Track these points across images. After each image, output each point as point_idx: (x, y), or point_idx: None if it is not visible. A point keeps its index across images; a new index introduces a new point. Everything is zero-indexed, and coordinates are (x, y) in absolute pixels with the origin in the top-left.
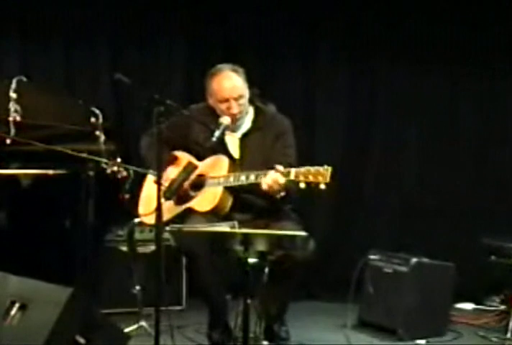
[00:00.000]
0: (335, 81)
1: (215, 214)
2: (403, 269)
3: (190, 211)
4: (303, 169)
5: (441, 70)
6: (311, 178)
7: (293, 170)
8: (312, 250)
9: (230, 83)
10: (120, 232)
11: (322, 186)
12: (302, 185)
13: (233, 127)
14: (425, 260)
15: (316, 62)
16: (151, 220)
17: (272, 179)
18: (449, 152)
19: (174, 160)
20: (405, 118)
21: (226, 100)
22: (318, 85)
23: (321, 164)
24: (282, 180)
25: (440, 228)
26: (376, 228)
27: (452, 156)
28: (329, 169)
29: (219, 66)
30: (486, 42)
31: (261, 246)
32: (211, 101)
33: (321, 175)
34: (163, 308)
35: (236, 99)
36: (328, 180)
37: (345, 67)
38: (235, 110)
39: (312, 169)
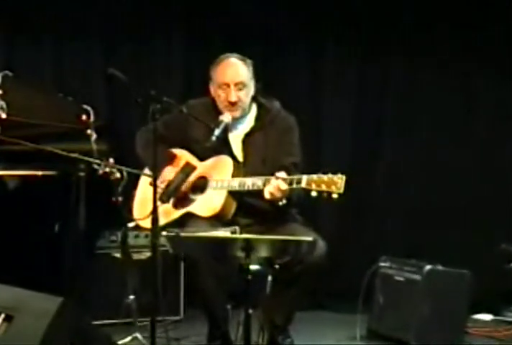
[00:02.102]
0: (342, 78)
1: (218, 219)
2: (416, 277)
3: (190, 215)
4: (315, 176)
5: (454, 68)
6: (323, 187)
7: (304, 177)
8: (323, 253)
9: (234, 69)
10: (113, 237)
11: (335, 195)
12: (313, 194)
13: (233, 124)
14: (439, 267)
15: (322, 58)
16: (147, 224)
17: (274, 187)
18: (464, 154)
19: (172, 159)
20: (416, 118)
21: (226, 85)
22: (324, 82)
23: (328, 166)
24: (284, 186)
25: (455, 233)
26: (387, 233)
27: (468, 158)
28: (343, 177)
29: (228, 54)
30: (503, 41)
31: (264, 251)
32: (212, 90)
33: (335, 183)
34: (159, 319)
35: (236, 85)
36: (342, 190)
37: (353, 64)
38: (233, 98)
39: (325, 177)
